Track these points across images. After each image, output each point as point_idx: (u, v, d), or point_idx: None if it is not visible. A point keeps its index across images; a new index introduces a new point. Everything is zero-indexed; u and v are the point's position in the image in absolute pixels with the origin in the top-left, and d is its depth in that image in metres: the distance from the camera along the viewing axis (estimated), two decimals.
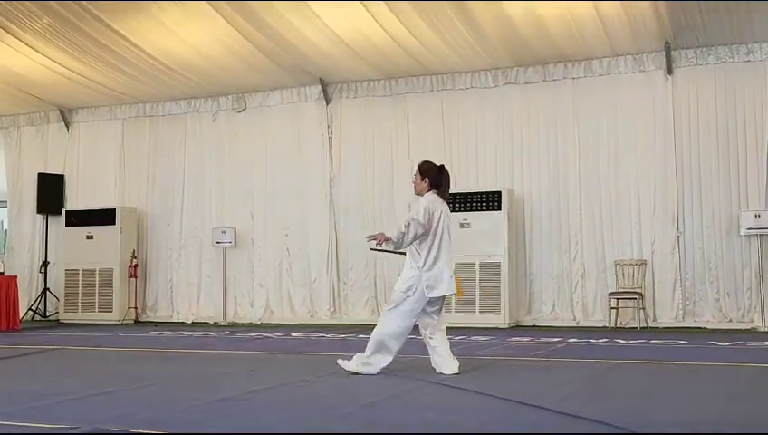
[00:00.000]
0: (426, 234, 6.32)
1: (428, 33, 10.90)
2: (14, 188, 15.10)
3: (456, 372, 6.38)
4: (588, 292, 11.60)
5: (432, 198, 6.47)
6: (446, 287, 6.38)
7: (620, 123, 11.62)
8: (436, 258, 6.35)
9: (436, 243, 6.35)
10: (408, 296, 6.35)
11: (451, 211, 11.31)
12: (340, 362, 6.55)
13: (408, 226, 6.29)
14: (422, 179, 6.54)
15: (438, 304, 6.47)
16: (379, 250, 6.76)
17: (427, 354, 7.99)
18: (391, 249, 6.59)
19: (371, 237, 6.59)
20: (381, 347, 6.43)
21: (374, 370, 6.41)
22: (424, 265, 6.33)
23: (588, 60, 11.73)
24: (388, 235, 6.45)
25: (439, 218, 6.37)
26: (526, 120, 12.10)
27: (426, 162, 6.65)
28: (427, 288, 6.32)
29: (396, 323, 6.40)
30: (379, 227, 12.51)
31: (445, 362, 6.46)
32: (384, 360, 6.44)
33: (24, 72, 12.59)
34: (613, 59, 11.64)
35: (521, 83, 12.13)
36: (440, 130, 12.50)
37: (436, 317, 6.49)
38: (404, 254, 6.57)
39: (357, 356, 6.50)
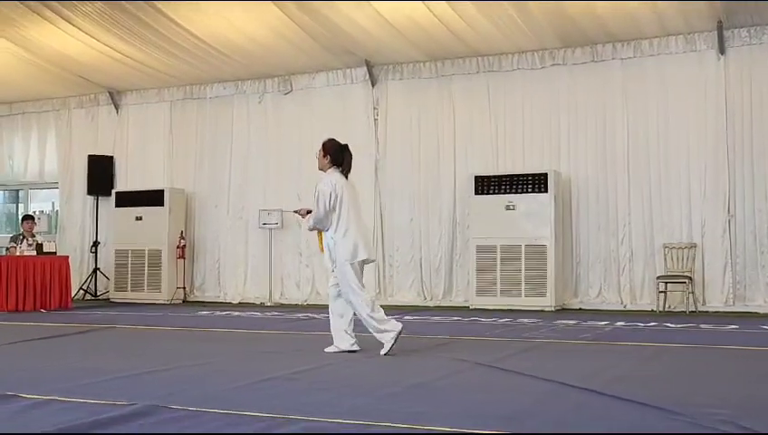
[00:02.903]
0: (333, 209, 6.66)
1: (475, 14, 10.83)
2: (65, 170, 15.38)
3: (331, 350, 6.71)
4: (635, 275, 11.48)
5: (333, 175, 6.78)
6: (360, 254, 6.69)
7: (671, 104, 11.44)
8: (347, 229, 6.68)
9: (344, 215, 6.68)
10: (338, 270, 6.68)
11: (496, 193, 11.55)
12: (382, 352, 6.62)
13: (317, 205, 6.69)
14: (324, 156, 6.86)
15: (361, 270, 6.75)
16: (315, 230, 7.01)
17: (476, 335, 8.02)
18: (312, 224, 6.87)
19: (297, 212, 7.15)
20: (374, 312, 6.63)
21: (392, 333, 6.60)
22: (335, 236, 6.68)
23: (637, 40, 11.55)
24: (308, 222, 6.91)
25: (342, 193, 6.69)
26: (574, 101, 11.97)
27: (330, 140, 6.95)
28: (344, 257, 6.64)
29: (357, 299, 6.64)
30: (425, 209, 12.62)
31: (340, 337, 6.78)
32: (385, 319, 6.67)
33: (75, 56, 12.80)
34: (663, 39, 11.44)
35: (568, 64, 12.00)
36: (486, 111, 12.43)
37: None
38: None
39: (383, 338, 6.65)
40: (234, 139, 14.05)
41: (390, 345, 6.57)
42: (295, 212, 7.20)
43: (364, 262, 6.78)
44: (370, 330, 6.70)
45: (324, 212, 6.67)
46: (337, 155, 6.84)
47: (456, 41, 11.76)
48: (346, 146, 6.89)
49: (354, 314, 6.78)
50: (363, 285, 6.80)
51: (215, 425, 3.87)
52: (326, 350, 6.73)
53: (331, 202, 6.66)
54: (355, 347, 6.74)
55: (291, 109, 13.65)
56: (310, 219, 6.87)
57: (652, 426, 3.89)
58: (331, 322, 6.89)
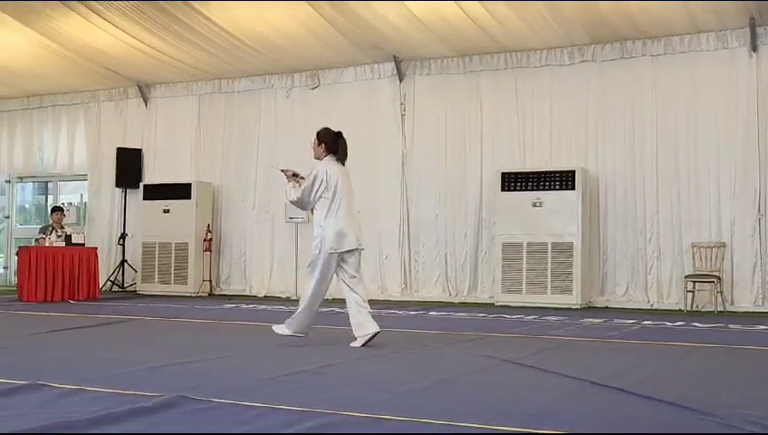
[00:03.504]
0: (323, 196, 6.76)
1: (503, 10, 10.78)
2: (93, 162, 15.50)
3: (370, 333, 6.68)
4: (663, 274, 11.38)
5: (328, 162, 6.89)
6: (348, 243, 6.76)
7: (701, 102, 11.32)
8: (337, 218, 6.77)
9: (335, 203, 6.77)
10: (316, 255, 6.78)
11: (523, 190, 11.49)
12: (274, 327, 6.95)
13: (303, 189, 6.86)
14: (319, 145, 6.98)
15: (352, 261, 6.83)
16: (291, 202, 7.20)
17: (501, 332, 8.01)
18: (293, 198, 7.03)
19: (283, 171, 7.23)
20: (311, 308, 6.86)
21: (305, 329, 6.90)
22: (325, 224, 6.77)
23: (668, 36, 11.43)
24: (297, 181, 7.03)
25: (336, 181, 6.78)
26: (603, 98, 11.88)
27: (324, 129, 7.07)
28: (329, 246, 6.71)
29: (317, 287, 6.80)
30: (451, 205, 12.58)
31: (359, 325, 6.77)
32: (309, 319, 6.91)
33: (105, 49, 12.90)
34: (695, 35, 11.32)
35: (598, 61, 11.90)
36: (514, 108, 12.37)
37: (354, 273, 6.84)
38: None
39: (289, 320, 6.92)
40: (261, 133, 14.09)
41: (286, 334, 6.85)
42: (282, 171, 7.27)
43: (351, 252, 6.81)
44: (293, 316, 6.89)
45: (308, 197, 6.82)
46: (331, 143, 6.96)
47: (485, 36, 11.70)
48: (340, 133, 7.00)
49: (360, 298, 6.81)
50: (359, 277, 6.89)
51: (242, 417, 3.88)
52: (352, 344, 6.73)
53: (318, 191, 6.77)
54: (376, 329, 6.75)
55: (318, 103, 13.65)
56: (291, 192, 6.98)
57: (681, 426, 3.85)
58: (350, 313, 6.86)
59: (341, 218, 6.78)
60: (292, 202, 7.11)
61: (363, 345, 6.68)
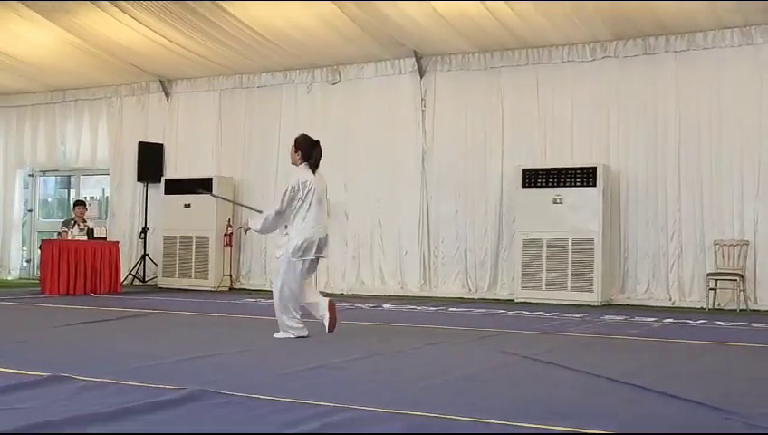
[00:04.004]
0: (292, 207, 6.93)
1: (524, 5, 10.73)
2: (115, 157, 15.58)
3: (325, 305, 7.05)
4: (685, 272, 11.30)
5: (303, 170, 7.05)
6: (313, 251, 6.96)
7: (724, 99, 11.21)
8: (304, 225, 6.95)
9: (302, 211, 6.95)
10: (280, 260, 7.01)
11: (544, 187, 11.45)
12: (276, 335, 7.08)
13: (279, 200, 7.00)
14: (296, 151, 7.14)
15: (311, 268, 7.09)
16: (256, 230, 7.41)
17: (521, 329, 8.00)
18: (259, 228, 7.26)
19: (244, 228, 7.57)
20: (285, 310, 7.03)
21: (295, 332, 7.03)
22: (292, 231, 6.99)
23: (691, 33, 11.33)
24: (250, 224, 7.32)
25: (309, 189, 6.95)
26: (625, 95, 11.79)
27: (302, 135, 7.24)
28: (293, 253, 6.91)
29: (278, 288, 7.02)
30: (471, 201, 12.54)
31: (319, 306, 7.09)
32: (293, 321, 7.05)
33: (128, 44, 12.96)
34: (719, 32, 11.21)
35: (620, 57, 11.82)
36: (535, 104, 12.31)
37: (309, 279, 7.17)
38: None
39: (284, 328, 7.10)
40: (281, 128, 14.10)
41: (285, 337, 6.99)
42: (246, 231, 7.67)
43: (313, 259, 7.01)
44: (278, 310, 7.08)
45: (283, 209, 6.92)
46: (308, 151, 7.10)
47: (505, 32, 11.66)
48: (317, 142, 7.15)
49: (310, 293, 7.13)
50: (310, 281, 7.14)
51: (263, 411, 3.89)
52: (327, 329, 7.02)
53: (293, 203, 6.91)
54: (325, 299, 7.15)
55: (339, 99, 13.67)
56: (257, 223, 7.15)
57: (705, 425, 3.83)
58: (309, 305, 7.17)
59: (309, 226, 6.96)
60: (263, 227, 7.19)
61: (333, 318, 7.00)
